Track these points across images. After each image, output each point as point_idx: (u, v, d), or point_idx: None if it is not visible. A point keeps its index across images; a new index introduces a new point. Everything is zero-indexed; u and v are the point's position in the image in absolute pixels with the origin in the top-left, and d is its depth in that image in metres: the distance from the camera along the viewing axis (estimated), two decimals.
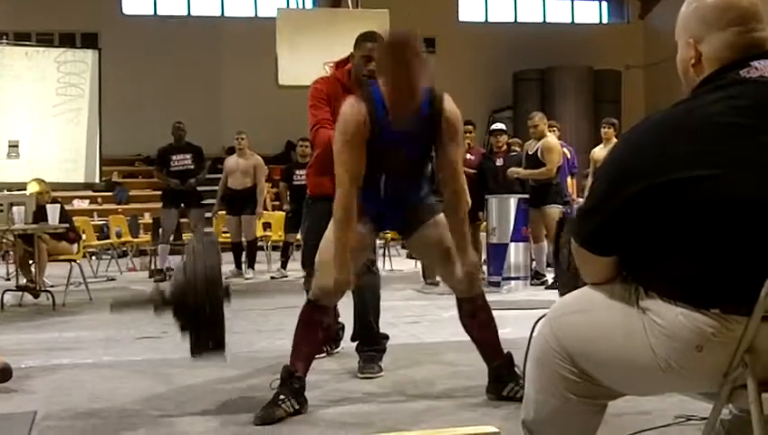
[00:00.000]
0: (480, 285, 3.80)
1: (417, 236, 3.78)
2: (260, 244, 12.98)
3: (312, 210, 4.43)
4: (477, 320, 3.73)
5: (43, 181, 8.48)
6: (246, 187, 10.37)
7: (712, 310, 1.73)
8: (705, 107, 1.76)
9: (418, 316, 6.61)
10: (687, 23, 1.87)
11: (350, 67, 4.30)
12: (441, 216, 3.74)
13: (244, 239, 10.71)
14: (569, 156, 9.84)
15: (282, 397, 3.44)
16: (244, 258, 10.72)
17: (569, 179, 9.73)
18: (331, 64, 4.60)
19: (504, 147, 9.33)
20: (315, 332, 3.65)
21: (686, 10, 1.88)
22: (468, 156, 9.06)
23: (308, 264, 4.38)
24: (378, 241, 11.23)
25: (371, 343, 4.40)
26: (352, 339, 4.51)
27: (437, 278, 9.09)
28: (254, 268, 10.63)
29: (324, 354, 4.65)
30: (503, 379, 3.66)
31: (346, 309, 4.56)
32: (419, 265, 9.35)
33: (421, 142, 3.62)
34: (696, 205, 1.71)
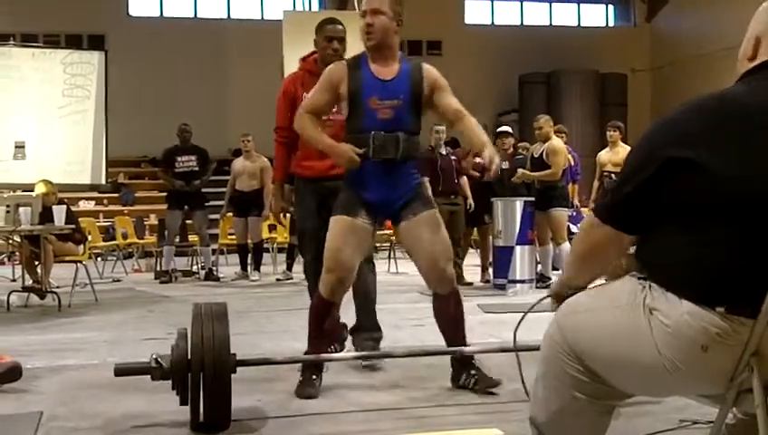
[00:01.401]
0: (454, 283, 3.96)
1: (408, 227, 3.90)
2: (265, 246, 13.00)
3: (302, 192, 4.75)
4: (446, 315, 3.94)
5: (50, 182, 8.50)
6: (253, 189, 10.37)
7: (717, 308, 1.73)
8: (737, 94, 1.85)
9: (422, 319, 6.59)
10: (758, 21, 1.94)
11: (317, 54, 4.62)
12: (433, 212, 3.90)
13: (250, 241, 10.72)
14: (572, 163, 9.83)
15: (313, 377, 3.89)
16: (249, 260, 10.74)
17: (570, 186, 9.71)
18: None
19: (511, 149, 9.33)
20: (323, 323, 3.94)
21: (765, 9, 1.94)
22: (476, 159, 9.08)
23: (303, 251, 4.89)
24: (383, 243, 11.21)
25: (372, 330, 4.67)
26: (353, 330, 4.69)
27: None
28: (259, 270, 10.63)
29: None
30: (461, 369, 3.92)
31: (346, 311, 4.58)
32: None
33: (407, 112, 3.82)
34: (708, 192, 1.74)
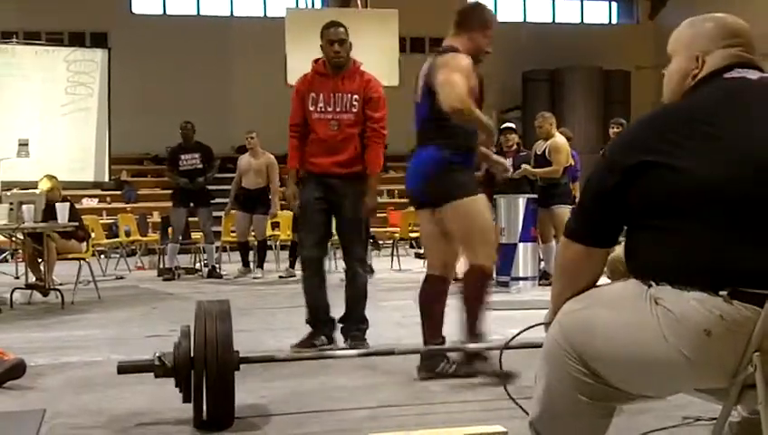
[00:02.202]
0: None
1: (445, 212, 4.11)
2: (269, 243, 13.01)
3: (307, 186, 5.00)
4: (442, 299, 4.30)
5: (55, 178, 8.49)
6: (259, 186, 10.36)
7: (721, 292, 1.76)
8: (693, 101, 1.97)
9: None
10: (694, 38, 2.05)
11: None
12: (469, 200, 4.08)
13: (253, 238, 10.71)
14: (572, 162, 9.81)
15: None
16: (252, 257, 10.74)
17: (571, 184, 9.69)
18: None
19: (514, 146, 9.32)
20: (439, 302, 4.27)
21: (698, 28, 2.07)
22: None
23: (303, 242, 5.25)
24: (386, 240, 11.19)
25: (359, 321, 5.03)
26: (341, 320, 5.04)
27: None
28: (263, 268, 10.62)
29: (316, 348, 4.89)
30: (437, 357, 4.08)
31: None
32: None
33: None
34: (686, 185, 1.80)
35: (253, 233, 10.69)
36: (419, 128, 4.21)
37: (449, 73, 3.94)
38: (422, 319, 4.22)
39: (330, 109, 4.87)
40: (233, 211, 10.82)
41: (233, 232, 11.50)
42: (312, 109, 4.89)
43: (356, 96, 4.89)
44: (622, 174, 1.88)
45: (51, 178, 8.46)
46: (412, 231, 10.99)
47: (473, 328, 4.11)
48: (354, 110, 4.86)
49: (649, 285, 1.85)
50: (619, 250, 2.06)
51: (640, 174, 1.86)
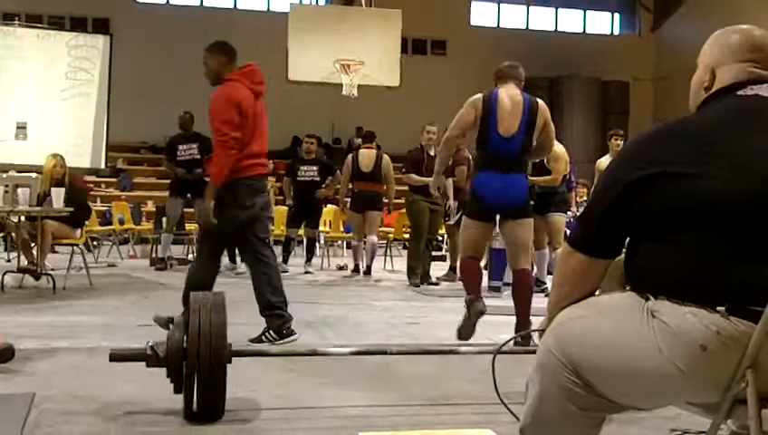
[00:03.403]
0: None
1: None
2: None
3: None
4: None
5: (60, 156, 8.40)
6: None
7: (718, 307, 1.77)
8: (701, 117, 1.99)
9: (418, 317, 6.62)
10: (713, 49, 2.06)
11: None
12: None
13: None
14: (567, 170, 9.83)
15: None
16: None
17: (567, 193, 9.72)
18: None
19: None
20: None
21: (715, 39, 2.08)
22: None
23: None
24: (381, 241, 11.17)
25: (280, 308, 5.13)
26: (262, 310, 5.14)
27: (434, 279, 9.18)
28: None
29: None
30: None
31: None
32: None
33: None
34: (691, 200, 1.81)
35: None
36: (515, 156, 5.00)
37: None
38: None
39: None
40: None
41: None
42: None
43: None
44: (625, 188, 1.90)
45: (55, 155, 8.39)
46: (406, 232, 10.99)
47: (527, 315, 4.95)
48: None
49: (647, 298, 1.86)
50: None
51: (643, 188, 1.87)
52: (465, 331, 4.78)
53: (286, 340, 5.03)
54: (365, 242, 10.05)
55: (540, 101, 5.13)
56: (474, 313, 4.79)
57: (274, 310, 5.09)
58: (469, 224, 5.00)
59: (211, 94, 5.12)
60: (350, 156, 10.37)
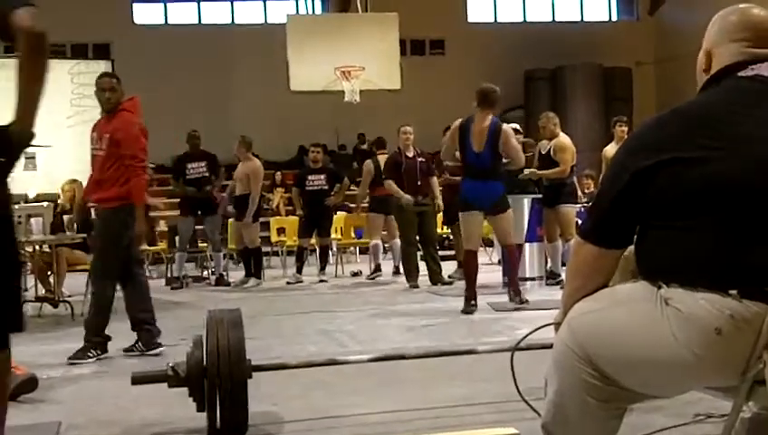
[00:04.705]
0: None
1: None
2: (275, 249, 13.02)
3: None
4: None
5: (77, 181, 8.43)
6: (243, 193, 10.25)
7: (730, 291, 1.77)
8: (703, 100, 1.99)
9: (434, 319, 6.62)
10: (709, 33, 2.07)
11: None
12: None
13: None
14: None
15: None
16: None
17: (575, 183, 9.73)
18: None
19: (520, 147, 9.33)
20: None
21: (715, 20, 2.08)
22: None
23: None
24: (386, 242, 11.28)
25: (148, 323, 5.48)
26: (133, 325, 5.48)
27: (448, 278, 9.19)
28: (259, 277, 10.37)
29: None
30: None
31: None
32: (426, 269, 9.44)
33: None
34: (699, 185, 1.81)
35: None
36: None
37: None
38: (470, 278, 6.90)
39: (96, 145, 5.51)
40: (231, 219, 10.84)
41: None
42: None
43: (106, 135, 5.42)
44: (633, 176, 1.90)
45: (73, 181, 8.41)
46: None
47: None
48: (104, 147, 5.42)
49: (659, 286, 1.87)
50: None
51: (651, 176, 1.87)
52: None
53: (153, 351, 5.43)
54: (385, 242, 10.44)
55: (503, 125, 6.94)
56: (465, 310, 6.74)
57: (144, 325, 5.52)
58: (462, 217, 6.92)
59: (117, 123, 5.50)
60: (369, 162, 10.41)
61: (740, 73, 1.96)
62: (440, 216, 10.26)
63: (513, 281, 7.07)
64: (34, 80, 2.49)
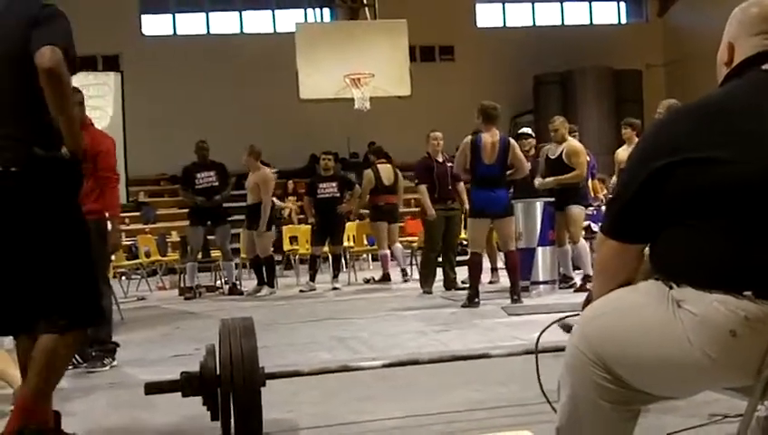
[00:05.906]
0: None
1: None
2: (290, 257, 13.05)
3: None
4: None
5: None
6: (254, 202, 10.27)
7: (745, 293, 1.76)
8: (723, 95, 1.97)
9: (447, 324, 6.61)
10: (730, 26, 2.06)
11: None
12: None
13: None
14: (588, 159, 9.80)
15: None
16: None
17: (589, 182, 9.71)
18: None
19: (532, 151, 9.33)
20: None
21: (735, 14, 2.06)
22: None
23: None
24: (405, 250, 11.33)
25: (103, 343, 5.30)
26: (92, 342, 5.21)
27: (462, 283, 9.17)
28: (272, 286, 10.41)
29: None
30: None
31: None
32: (442, 274, 9.45)
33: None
34: (714, 185, 1.80)
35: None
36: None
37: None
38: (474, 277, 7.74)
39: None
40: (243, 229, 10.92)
41: None
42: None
43: None
44: (651, 174, 1.88)
45: None
46: None
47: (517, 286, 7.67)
48: None
49: (670, 287, 1.86)
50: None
51: (669, 174, 1.85)
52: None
53: (109, 365, 5.34)
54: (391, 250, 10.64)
55: (511, 140, 7.99)
56: (465, 304, 7.49)
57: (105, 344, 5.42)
58: (473, 223, 7.91)
59: (88, 137, 5.51)
60: (369, 171, 10.52)
61: (764, 66, 1.94)
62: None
63: (514, 286, 7.63)
64: (60, 111, 2.84)
